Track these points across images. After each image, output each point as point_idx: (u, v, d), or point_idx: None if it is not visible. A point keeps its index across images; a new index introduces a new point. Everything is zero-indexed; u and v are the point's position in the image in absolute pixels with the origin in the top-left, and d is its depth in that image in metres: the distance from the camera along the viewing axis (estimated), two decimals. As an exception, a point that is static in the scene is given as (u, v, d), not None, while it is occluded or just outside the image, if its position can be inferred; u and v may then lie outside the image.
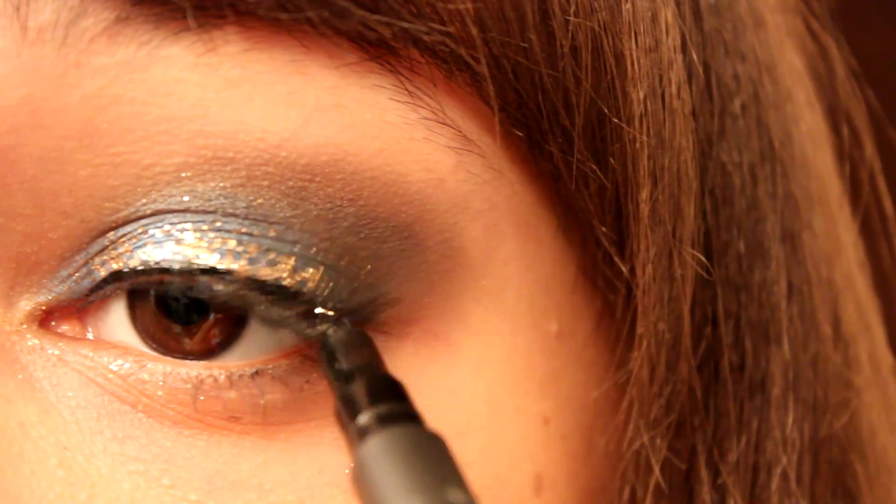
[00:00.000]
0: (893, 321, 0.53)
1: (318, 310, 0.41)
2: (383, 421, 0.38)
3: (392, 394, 0.40)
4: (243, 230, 0.40)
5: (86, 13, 0.39)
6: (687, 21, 0.44)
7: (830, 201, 0.50)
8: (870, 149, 0.53)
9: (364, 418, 0.39)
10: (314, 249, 0.40)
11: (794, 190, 0.47)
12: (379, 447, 0.38)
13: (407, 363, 0.42)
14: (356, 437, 0.38)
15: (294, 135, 0.40)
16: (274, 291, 0.40)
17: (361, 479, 0.37)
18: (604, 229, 0.44)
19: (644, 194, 0.43)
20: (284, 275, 0.40)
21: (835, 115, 0.52)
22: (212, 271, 0.40)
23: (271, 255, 0.40)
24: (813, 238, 0.48)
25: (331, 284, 0.41)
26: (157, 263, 0.40)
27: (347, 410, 0.39)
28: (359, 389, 0.39)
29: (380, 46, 0.40)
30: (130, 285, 0.41)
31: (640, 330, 0.44)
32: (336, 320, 0.41)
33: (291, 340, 0.41)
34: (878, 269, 0.53)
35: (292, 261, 0.40)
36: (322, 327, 0.41)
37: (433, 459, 0.37)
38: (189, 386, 0.40)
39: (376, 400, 0.39)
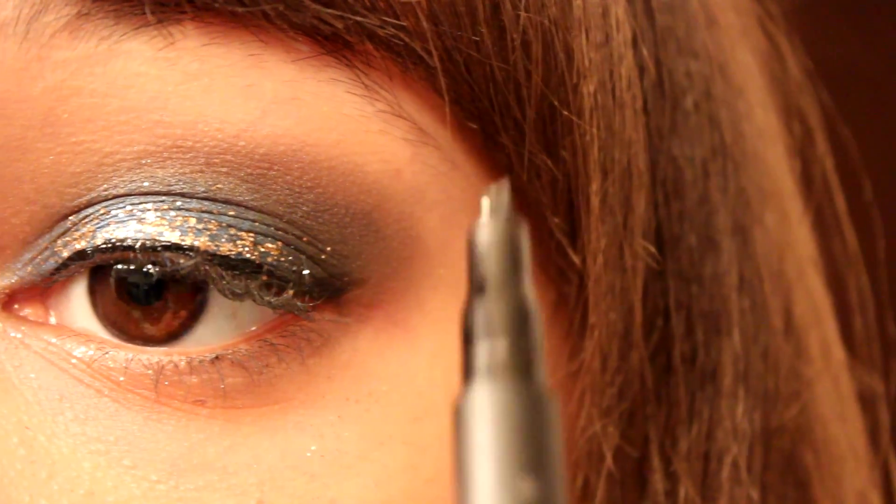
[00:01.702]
0: (845, 315, 0.54)
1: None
2: (493, 366, 0.34)
3: (518, 327, 0.35)
4: (203, 209, 0.41)
5: (47, 9, 0.40)
6: (638, 18, 0.45)
7: (783, 196, 0.50)
8: (822, 146, 0.53)
9: (480, 352, 0.35)
10: (273, 228, 0.41)
11: (746, 185, 0.48)
12: (478, 403, 0.34)
13: (366, 347, 0.43)
14: (466, 370, 0.35)
15: (252, 126, 0.41)
16: (237, 266, 0.41)
17: (456, 426, 0.35)
18: (556, 220, 0.44)
19: (595, 186, 0.44)
20: (246, 248, 0.41)
21: (788, 113, 0.53)
22: (175, 247, 0.41)
23: (231, 231, 0.41)
24: (764, 232, 0.48)
25: (290, 257, 0.41)
26: (120, 242, 0.41)
27: (467, 331, 0.35)
28: (486, 311, 0.35)
29: (335, 40, 0.41)
30: (94, 263, 0.41)
31: (591, 320, 0.45)
32: (305, 289, 0.42)
33: (251, 325, 0.42)
34: (830, 264, 0.53)
35: (252, 236, 0.41)
36: (287, 295, 0.42)
37: (524, 436, 0.34)
38: (150, 372, 0.41)
39: (499, 331, 0.35)
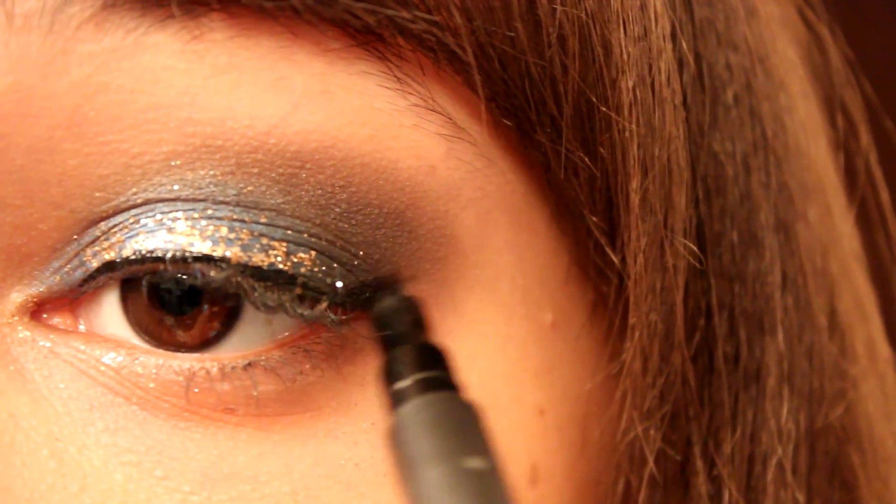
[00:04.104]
0: (891, 312, 0.53)
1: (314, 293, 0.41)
2: (420, 387, 0.39)
3: (433, 362, 0.40)
4: (234, 217, 0.40)
5: (72, 0, 0.39)
6: (677, 10, 0.44)
7: (826, 191, 0.49)
8: (866, 138, 0.52)
9: (403, 384, 0.39)
10: (306, 235, 0.40)
11: (788, 180, 0.47)
12: (410, 412, 0.38)
13: None
14: (393, 401, 0.39)
15: (283, 121, 0.40)
16: (269, 277, 0.40)
17: (393, 443, 0.38)
18: (594, 219, 0.43)
19: (634, 184, 0.43)
20: (279, 259, 0.40)
21: (830, 105, 0.52)
22: (206, 259, 0.40)
23: (264, 241, 0.40)
24: (807, 228, 0.47)
25: (324, 268, 0.41)
26: (149, 252, 0.40)
27: (389, 375, 0.40)
28: (401, 356, 0.40)
29: (366, 33, 0.40)
30: (123, 275, 0.41)
31: (632, 320, 0.44)
32: (338, 301, 0.41)
33: (284, 331, 0.41)
34: (875, 260, 0.52)
35: (284, 246, 0.40)
36: (321, 307, 0.41)
37: (459, 427, 0.38)
38: (181, 378, 0.41)
39: (417, 367, 0.40)
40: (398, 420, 0.38)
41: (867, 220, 0.53)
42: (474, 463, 0.37)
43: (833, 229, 0.49)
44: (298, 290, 0.40)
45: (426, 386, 0.39)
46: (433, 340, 0.41)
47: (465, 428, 0.38)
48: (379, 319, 0.41)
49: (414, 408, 0.38)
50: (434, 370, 0.40)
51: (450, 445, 0.37)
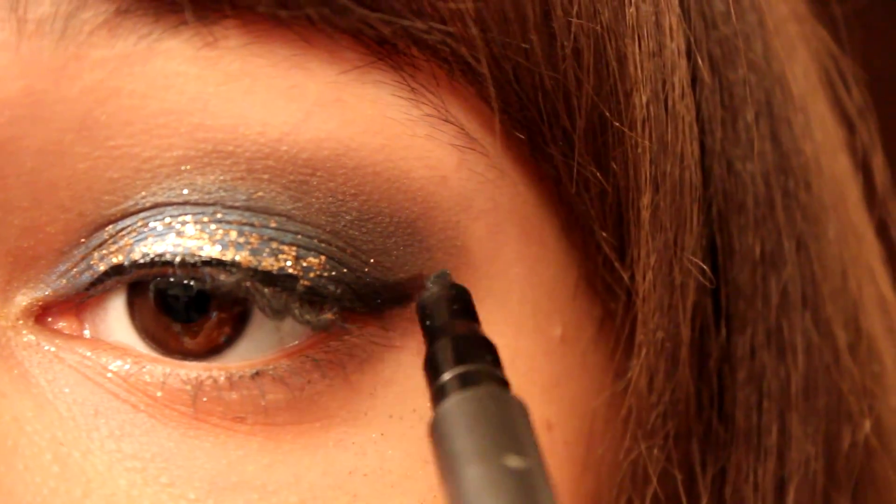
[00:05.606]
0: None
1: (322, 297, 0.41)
2: (460, 382, 0.38)
3: (476, 355, 0.39)
4: (244, 221, 0.40)
5: (85, 5, 0.39)
6: (695, 28, 0.44)
7: (848, 209, 0.49)
8: (881, 155, 0.52)
9: (445, 377, 0.38)
10: (316, 240, 0.40)
11: (807, 198, 0.47)
12: (450, 408, 0.38)
13: (410, 362, 0.42)
14: (434, 395, 0.38)
15: (295, 129, 0.40)
16: (279, 281, 0.40)
17: (434, 440, 0.38)
18: (604, 234, 0.43)
19: (645, 200, 0.42)
20: (289, 263, 0.40)
21: (848, 122, 0.52)
22: (215, 263, 0.40)
23: (273, 245, 0.40)
24: (827, 246, 0.47)
25: (333, 273, 0.40)
26: (158, 256, 0.40)
27: (431, 369, 0.39)
28: (442, 349, 0.39)
29: (381, 44, 0.40)
30: (131, 279, 0.41)
31: (639, 338, 0.44)
32: (343, 305, 0.41)
33: (292, 340, 0.41)
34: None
35: (294, 250, 0.40)
36: (328, 315, 0.41)
37: (500, 423, 0.37)
38: (189, 387, 0.40)
39: (460, 360, 0.39)
40: (439, 415, 0.38)
41: (887, 235, 0.52)
42: (516, 462, 0.36)
43: (854, 247, 0.49)
44: (306, 295, 0.40)
45: (467, 380, 0.38)
46: (479, 332, 0.40)
47: (506, 425, 0.37)
48: (422, 310, 0.41)
49: (454, 403, 0.38)
50: (476, 363, 0.39)
51: (490, 443, 0.36)
